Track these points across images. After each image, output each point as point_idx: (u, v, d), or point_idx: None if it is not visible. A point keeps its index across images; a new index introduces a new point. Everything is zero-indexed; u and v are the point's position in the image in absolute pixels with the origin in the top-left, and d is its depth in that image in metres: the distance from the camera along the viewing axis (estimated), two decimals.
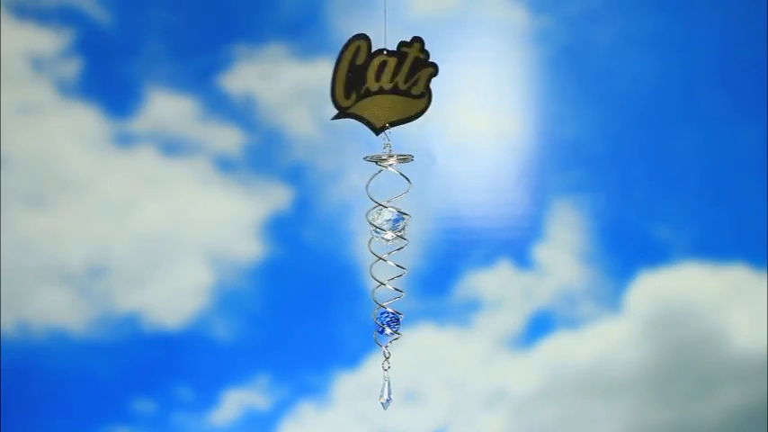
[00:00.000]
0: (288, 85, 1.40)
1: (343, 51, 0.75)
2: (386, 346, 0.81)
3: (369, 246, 0.79)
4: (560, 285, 1.44)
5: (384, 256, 0.78)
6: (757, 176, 1.43)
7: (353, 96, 0.76)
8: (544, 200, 1.42)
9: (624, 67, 1.42)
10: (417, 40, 0.76)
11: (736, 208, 1.43)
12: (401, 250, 0.79)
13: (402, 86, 0.77)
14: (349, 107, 0.76)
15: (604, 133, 1.43)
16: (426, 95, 0.77)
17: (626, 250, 1.44)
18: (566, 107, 1.42)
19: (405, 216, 0.78)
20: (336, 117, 0.77)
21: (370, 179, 0.77)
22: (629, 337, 1.44)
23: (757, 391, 1.44)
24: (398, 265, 0.78)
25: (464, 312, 1.43)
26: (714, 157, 1.43)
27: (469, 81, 1.41)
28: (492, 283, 1.43)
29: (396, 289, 0.79)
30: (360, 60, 0.76)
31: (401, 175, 0.77)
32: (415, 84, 0.77)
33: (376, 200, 0.78)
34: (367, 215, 0.78)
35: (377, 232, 0.78)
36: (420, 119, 0.79)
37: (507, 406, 1.44)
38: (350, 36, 0.77)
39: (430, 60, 0.77)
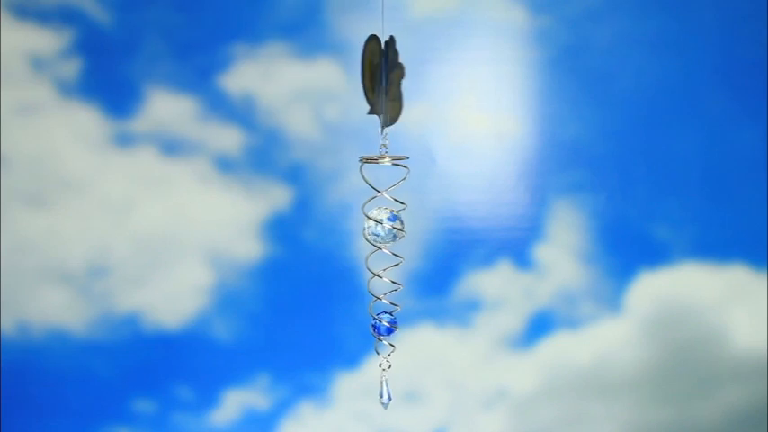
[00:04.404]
0: (288, 84, 1.40)
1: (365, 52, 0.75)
2: (386, 357, 0.81)
3: (363, 234, 0.78)
4: (560, 285, 1.44)
5: (381, 246, 0.78)
6: (757, 176, 1.43)
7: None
8: (544, 200, 1.42)
9: (624, 67, 1.42)
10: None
11: (736, 208, 1.43)
12: (401, 241, 0.79)
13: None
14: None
15: (604, 133, 1.43)
16: (399, 99, 0.77)
17: (626, 250, 1.44)
18: (565, 107, 1.42)
19: (401, 206, 0.78)
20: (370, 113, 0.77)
21: (361, 165, 0.77)
22: (629, 338, 1.44)
23: (757, 391, 1.44)
24: (395, 254, 0.78)
25: (464, 312, 1.43)
26: (714, 157, 1.43)
27: (469, 81, 1.41)
28: (492, 283, 1.43)
29: (393, 281, 0.79)
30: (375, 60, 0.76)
31: (395, 164, 0.77)
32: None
33: (374, 186, 0.77)
34: (363, 207, 0.78)
35: (374, 235, 0.78)
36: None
37: (507, 406, 1.44)
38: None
39: (398, 61, 0.76)
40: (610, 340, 1.44)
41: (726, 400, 1.44)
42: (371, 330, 0.80)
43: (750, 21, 1.42)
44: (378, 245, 0.78)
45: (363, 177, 0.76)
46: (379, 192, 0.77)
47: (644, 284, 1.44)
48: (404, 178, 0.77)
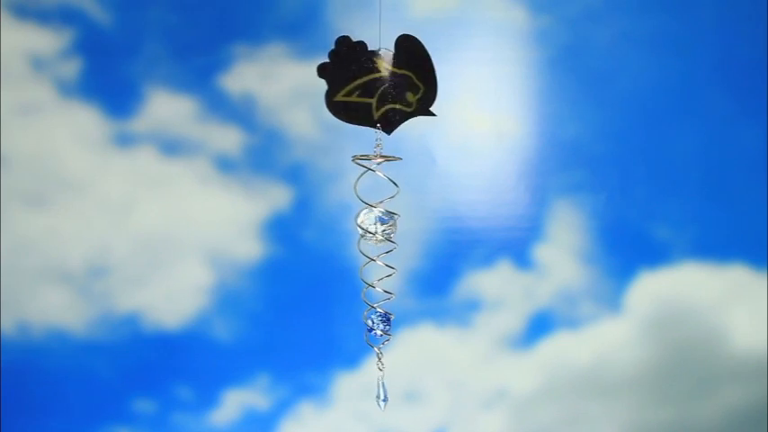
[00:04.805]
0: (287, 85, 1.40)
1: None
2: (378, 348, 0.81)
3: (358, 246, 0.79)
4: (560, 285, 1.44)
5: (374, 257, 0.78)
6: (757, 176, 1.43)
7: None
8: (544, 200, 1.42)
9: (624, 67, 1.42)
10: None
11: (735, 208, 1.43)
12: (393, 252, 0.79)
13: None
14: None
15: (604, 133, 1.43)
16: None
17: (626, 250, 1.44)
18: (566, 107, 1.42)
19: (393, 216, 0.78)
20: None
21: (357, 179, 0.77)
22: (629, 338, 1.44)
23: (757, 391, 1.44)
24: (388, 266, 0.78)
25: (464, 312, 1.43)
26: (714, 157, 1.43)
27: (469, 81, 1.41)
28: (492, 283, 1.43)
29: (385, 291, 0.79)
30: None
31: (388, 179, 0.77)
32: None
33: (366, 201, 0.78)
34: (355, 218, 0.78)
35: (365, 236, 0.78)
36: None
37: (507, 406, 1.44)
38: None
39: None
40: (610, 340, 1.44)
41: (726, 400, 1.44)
42: (365, 336, 0.81)
43: (750, 20, 1.42)
44: (371, 256, 0.78)
45: (357, 194, 0.77)
46: (372, 206, 0.77)
47: (644, 284, 1.44)
48: (393, 196, 0.78)
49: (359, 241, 0.79)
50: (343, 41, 0.76)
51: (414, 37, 0.76)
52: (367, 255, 0.79)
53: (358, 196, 0.77)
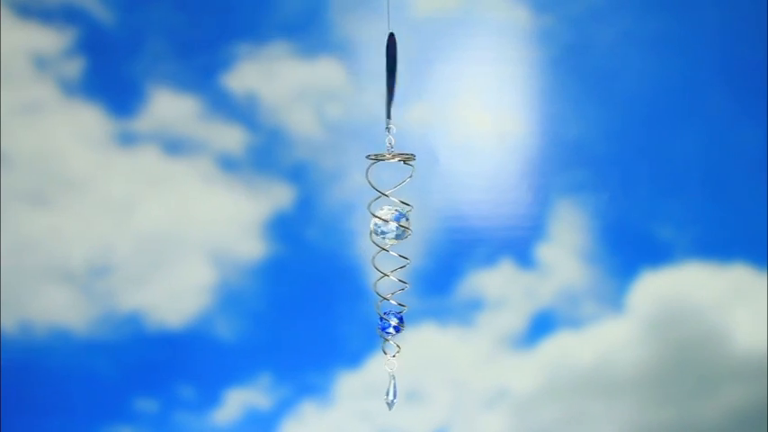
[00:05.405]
0: (290, 84, 1.40)
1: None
2: (392, 356, 0.81)
3: (372, 262, 0.78)
4: (562, 285, 1.44)
5: (388, 272, 0.78)
6: (759, 176, 1.43)
7: None
8: (546, 199, 1.42)
9: (626, 66, 1.42)
10: None
11: (738, 208, 1.44)
12: (407, 239, 0.78)
13: None
14: None
15: (607, 133, 1.43)
16: None
17: (628, 250, 1.44)
18: (568, 107, 1.42)
19: (407, 207, 0.78)
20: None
21: (370, 202, 0.77)
22: (631, 337, 1.44)
23: (758, 390, 1.44)
24: (401, 280, 0.78)
25: (466, 312, 1.43)
26: (716, 157, 1.43)
27: (472, 81, 1.41)
28: (494, 282, 1.43)
29: (399, 303, 0.79)
30: None
31: (401, 201, 0.77)
32: None
33: (379, 189, 0.77)
34: (369, 207, 0.78)
35: (379, 232, 0.78)
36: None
37: (509, 405, 1.44)
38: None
39: None
40: (612, 340, 1.44)
41: (727, 399, 1.44)
42: (378, 331, 0.80)
43: (752, 20, 1.42)
44: (383, 246, 0.78)
45: (369, 181, 0.76)
46: (384, 194, 0.77)
47: (646, 284, 1.44)
48: (410, 176, 0.77)
49: (373, 258, 0.78)
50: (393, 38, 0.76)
51: (390, 35, 0.76)
52: (381, 270, 0.78)
53: (371, 184, 0.77)
